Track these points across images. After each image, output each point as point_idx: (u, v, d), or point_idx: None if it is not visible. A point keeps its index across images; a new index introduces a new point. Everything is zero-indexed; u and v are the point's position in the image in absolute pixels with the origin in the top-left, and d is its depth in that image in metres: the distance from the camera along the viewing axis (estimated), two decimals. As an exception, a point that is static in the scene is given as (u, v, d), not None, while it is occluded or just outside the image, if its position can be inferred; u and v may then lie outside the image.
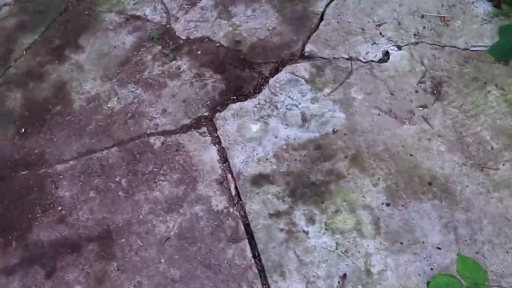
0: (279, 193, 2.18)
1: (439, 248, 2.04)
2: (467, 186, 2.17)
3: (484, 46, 2.55)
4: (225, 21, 2.75)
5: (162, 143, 2.37)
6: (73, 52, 2.77)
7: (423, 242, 2.06)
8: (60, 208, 2.26)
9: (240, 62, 2.59)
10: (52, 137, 2.48)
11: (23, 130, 2.51)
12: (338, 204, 2.13)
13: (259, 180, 2.21)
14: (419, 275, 2.00)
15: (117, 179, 2.31)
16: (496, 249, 2.00)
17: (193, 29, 2.76)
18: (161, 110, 2.48)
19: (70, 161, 2.39)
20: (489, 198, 2.14)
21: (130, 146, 2.39)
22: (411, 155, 2.24)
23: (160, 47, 2.71)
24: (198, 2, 2.85)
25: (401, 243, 2.05)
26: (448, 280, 1.73)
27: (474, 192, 2.15)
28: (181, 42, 2.72)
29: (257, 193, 2.17)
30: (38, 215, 2.26)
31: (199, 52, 2.66)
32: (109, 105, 2.54)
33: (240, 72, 2.54)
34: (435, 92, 2.42)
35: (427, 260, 2.02)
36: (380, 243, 2.05)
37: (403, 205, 2.13)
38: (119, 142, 2.40)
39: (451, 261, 1.98)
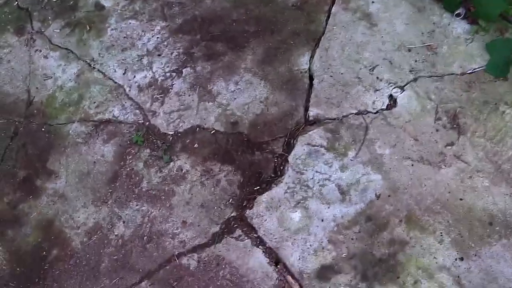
0: (351, 281, 2.16)
1: (526, 289, 2.12)
2: (525, 215, 2.28)
3: (479, 66, 2.71)
4: (210, 103, 2.70)
5: (198, 261, 2.26)
6: (46, 181, 2.57)
7: (510, 288, 2.13)
8: None
9: (246, 145, 2.55)
10: (62, 290, 2.26)
11: (22, 292, 2.26)
12: (413, 274, 2.15)
13: (324, 273, 2.17)
14: (519, 324, 2.05)
15: (161, 318, 2.15)
16: None
17: (178, 120, 2.67)
18: (181, 223, 2.37)
19: (96, 313, 2.19)
20: (548, 222, 2.26)
21: (161, 275, 2.24)
22: (461, 199, 2.32)
23: (148, 150, 2.59)
24: (171, 89, 2.76)
25: (490, 296, 2.10)
26: None
27: (533, 220, 2.26)
28: (171, 138, 2.62)
29: (328, 289, 2.13)
30: None
31: (196, 146, 2.57)
32: (116, 233, 2.38)
33: (251, 157, 2.50)
34: (454, 126, 2.53)
35: (521, 306, 2.09)
36: (471, 303, 2.08)
37: (475, 255, 2.19)
38: (146, 273, 2.25)
39: None
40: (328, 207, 2.32)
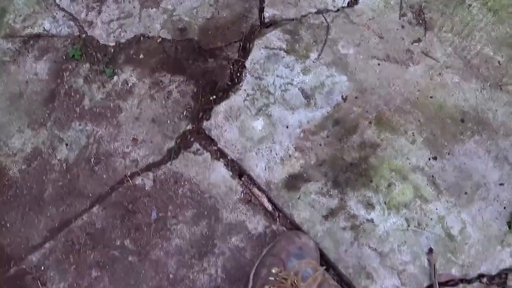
0: (322, 188, 1.98)
1: (502, 184, 2.03)
2: (496, 110, 2.16)
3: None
4: (154, 9, 2.38)
5: (154, 180, 2.02)
6: (-28, 106, 2.22)
7: (485, 184, 2.03)
8: (61, 307, 1.84)
9: (198, 52, 2.28)
10: (3, 223, 1.99)
11: (-45, 230, 1.97)
12: (387, 177, 2.01)
13: (293, 182, 1.99)
14: (496, 219, 1.97)
15: (118, 244, 1.94)
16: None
17: (119, 30, 2.35)
18: (131, 141, 2.11)
19: (44, 244, 1.95)
20: (519, 115, 2.14)
21: (114, 198, 2.00)
22: (431, 97, 2.17)
23: (88, 64, 2.28)
24: (107, -4, 2.42)
25: (465, 193, 2.00)
26: None
27: (505, 114, 2.15)
28: (112, 50, 2.31)
29: (298, 198, 1.96)
30: (36, 329, 1.81)
31: (141, 56, 2.28)
32: (59, 158, 2.10)
33: (204, 65, 2.24)
34: (420, 21, 2.35)
35: (497, 201, 2.00)
36: (447, 201, 1.98)
37: (448, 153, 2.06)
38: (97, 198, 2.00)
39: None
40: (293, 113, 2.10)
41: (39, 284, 1.90)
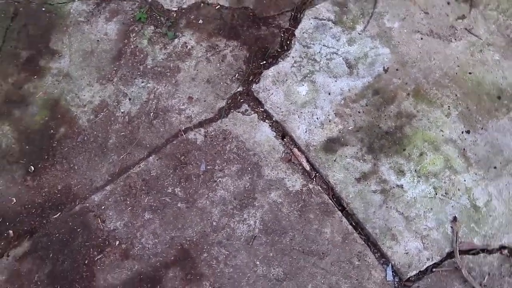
0: (357, 153, 1.94)
1: (532, 160, 1.90)
2: (534, 88, 2.01)
3: None
4: (215, -23, 2.32)
5: (205, 136, 2.03)
6: (50, 60, 2.28)
7: (515, 160, 1.91)
8: (118, 242, 1.92)
9: (252, 20, 2.23)
10: (72, 165, 2.06)
11: (32, 168, 2.07)
12: (419, 146, 1.93)
13: (331, 145, 1.95)
14: (523, 194, 1.86)
15: (169, 191, 1.97)
16: None
17: (181, -4, 2.32)
18: (187, 99, 2.11)
19: (106, 186, 2.01)
20: (557, 95, 2.00)
21: (169, 149, 2.02)
22: (470, 73, 2.05)
23: (152, 27, 2.28)
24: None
25: (495, 168, 1.90)
26: None
27: (543, 93, 2.00)
28: (174, 14, 2.30)
29: (335, 160, 1.92)
30: (96, 258, 1.90)
31: (200, 21, 2.25)
32: (122, 110, 2.13)
33: (257, 32, 2.19)
34: (467, -1, 2.18)
35: (525, 177, 1.89)
36: (475, 174, 1.89)
37: (482, 128, 1.96)
38: (154, 149, 2.03)
39: None
40: (335, 81, 2.05)
41: (99, 221, 1.98)
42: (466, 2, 2.20)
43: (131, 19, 2.32)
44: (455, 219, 1.86)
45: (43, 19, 2.36)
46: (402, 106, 2.00)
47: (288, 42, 2.16)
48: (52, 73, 2.23)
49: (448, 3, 2.19)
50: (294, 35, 2.15)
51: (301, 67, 2.08)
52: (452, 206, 1.86)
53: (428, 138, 1.95)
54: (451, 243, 1.82)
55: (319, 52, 2.10)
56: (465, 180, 1.89)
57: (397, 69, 2.05)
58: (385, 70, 2.05)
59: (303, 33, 2.15)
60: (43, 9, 2.39)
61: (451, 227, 1.85)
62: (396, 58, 2.07)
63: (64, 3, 2.39)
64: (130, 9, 2.35)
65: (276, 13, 2.23)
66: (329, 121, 1.99)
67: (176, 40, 2.24)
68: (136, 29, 2.30)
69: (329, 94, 2.02)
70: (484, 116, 1.98)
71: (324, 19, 2.16)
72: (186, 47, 2.22)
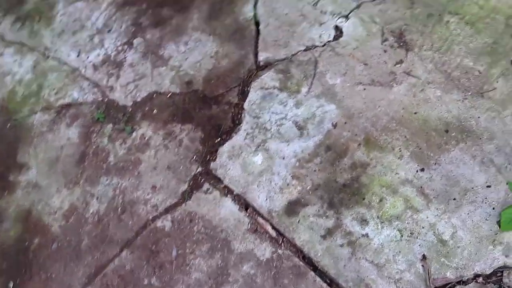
0: (319, 211, 2.20)
1: (489, 186, 2.16)
2: (479, 117, 2.30)
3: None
4: (164, 68, 2.71)
5: (172, 221, 2.31)
6: (19, 174, 2.61)
7: (472, 188, 2.17)
8: None
9: (203, 101, 2.56)
10: (49, 274, 2.33)
11: (11, 284, 2.33)
12: (378, 192, 2.19)
13: (293, 208, 2.21)
14: (486, 220, 2.10)
15: (145, 282, 2.22)
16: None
17: (135, 90, 2.69)
18: (151, 188, 2.41)
19: (84, 289, 2.26)
20: (503, 118, 2.28)
21: (139, 241, 2.30)
22: (415, 113, 2.34)
23: (111, 125, 2.62)
24: (124, 62, 2.77)
25: (454, 199, 2.14)
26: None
27: (487, 119, 2.29)
28: (130, 109, 2.65)
29: (298, 222, 2.18)
30: None
31: (155, 112, 2.60)
32: (91, 211, 2.43)
33: (209, 111, 2.52)
34: (401, 44, 2.53)
35: (485, 203, 2.14)
36: (437, 209, 2.13)
37: (435, 163, 2.22)
38: (125, 243, 2.31)
39: (505, 192, 2.12)
40: (288, 145, 2.35)
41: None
42: (402, 47, 2.54)
43: (91, 121, 2.68)
44: (424, 257, 2.09)
45: (9, 135, 2.72)
46: (355, 157, 2.28)
47: (239, 116, 2.49)
48: (21, 186, 2.55)
49: (385, 51, 2.53)
50: (244, 108, 2.48)
51: (254, 137, 2.39)
52: (420, 245, 2.09)
53: (385, 183, 2.22)
54: (424, 281, 2.04)
55: (269, 120, 2.42)
56: (427, 217, 2.13)
57: (345, 123, 2.36)
58: (334, 126, 2.35)
59: (251, 105, 2.48)
60: (8, 125, 2.75)
61: (422, 265, 2.07)
62: (342, 112, 2.38)
63: (27, 116, 2.76)
64: (89, 111, 2.71)
65: (225, 90, 2.58)
66: (287, 184, 2.27)
67: (134, 134, 2.58)
68: (96, 129, 2.65)
69: (284, 158, 2.32)
70: (435, 151, 2.25)
71: (270, 88, 2.50)
72: (144, 138, 2.55)
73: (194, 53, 2.73)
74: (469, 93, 2.36)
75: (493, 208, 2.12)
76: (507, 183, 2.13)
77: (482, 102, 2.33)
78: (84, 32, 3.01)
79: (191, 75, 2.67)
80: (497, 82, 2.37)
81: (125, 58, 2.83)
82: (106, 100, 2.73)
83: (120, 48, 2.86)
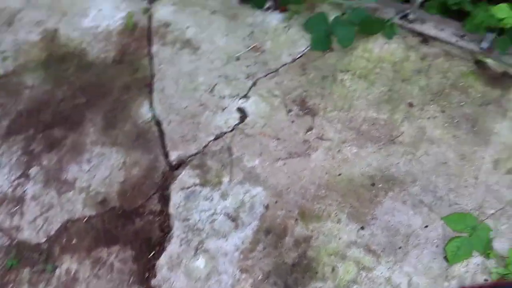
0: (276, 298, 2.19)
1: (426, 226, 2.30)
2: (398, 163, 2.47)
3: (305, 47, 2.90)
4: (71, 192, 2.63)
5: None
6: None
7: (413, 232, 2.31)
8: None
9: (124, 217, 2.51)
10: None
11: None
12: (328, 262, 2.25)
13: (249, 302, 2.19)
14: (434, 259, 2.24)
15: None
16: (459, 190, 2.34)
17: (46, 224, 2.57)
18: (92, 326, 2.26)
19: None
20: (418, 158, 2.47)
21: None
22: (339, 174, 2.46)
23: (28, 268, 2.46)
24: (25, 196, 2.64)
25: (400, 248, 2.25)
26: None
27: (405, 163, 2.46)
28: (46, 246, 2.51)
29: (260, 316, 2.15)
30: None
31: (74, 241, 2.49)
32: None
33: (133, 227, 2.47)
34: (306, 110, 2.67)
35: (428, 243, 2.27)
36: (387, 262, 2.23)
37: (372, 218, 2.33)
38: None
39: (443, 228, 2.30)
40: (226, 240, 2.34)
41: None
42: (308, 114, 2.66)
43: (3, 270, 2.47)
44: (391, 314, 2.13)
45: None
46: (296, 233, 2.32)
47: (166, 224, 2.44)
48: None
49: (293, 121, 2.64)
50: (169, 214, 2.44)
51: (189, 241, 2.35)
52: (383, 304, 2.14)
53: (332, 251, 2.27)
54: None
55: (199, 219, 2.40)
56: (381, 273, 2.20)
57: (276, 202, 2.40)
58: (266, 208, 2.39)
59: (177, 208, 2.45)
60: None
61: (391, 325, 2.11)
62: (270, 192, 2.43)
63: None
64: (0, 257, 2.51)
65: (144, 200, 2.53)
66: (238, 280, 2.25)
67: (57, 271, 2.42)
68: (12, 277, 2.45)
69: (226, 255, 2.30)
70: (369, 206, 2.36)
71: (191, 186, 2.49)
72: (71, 273, 2.41)
73: (101, 169, 2.67)
74: (382, 143, 2.53)
75: (437, 246, 2.26)
76: (441, 219, 2.27)
77: (396, 148, 2.50)
78: (-30, 174, 2.84)
79: (103, 193, 2.60)
80: (403, 126, 2.55)
81: (24, 192, 2.70)
82: (15, 242, 2.56)
83: (15, 182, 2.73)
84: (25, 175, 2.75)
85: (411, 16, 2.97)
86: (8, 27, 3.44)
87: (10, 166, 2.80)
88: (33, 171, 2.76)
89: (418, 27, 2.97)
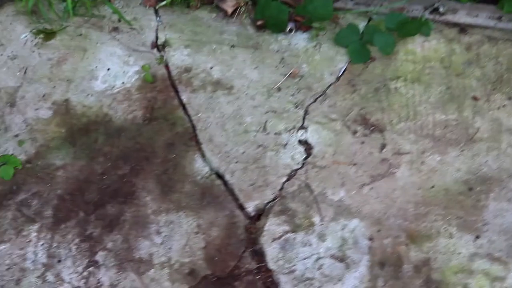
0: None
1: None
2: (486, 161, 2.43)
3: (344, 62, 2.76)
4: (152, 270, 2.47)
5: None
6: None
7: (529, 229, 2.19)
8: None
9: (221, 285, 2.36)
10: None
11: None
12: (457, 282, 2.20)
13: None
14: None
15: None
16: None
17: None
18: None
19: None
20: (505, 151, 2.41)
21: None
22: (432, 187, 2.40)
23: None
24: (102, 286, 2.43)
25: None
26: None
27: (494, 159, 2.41)
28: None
29: None
30: None
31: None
32: None
33: (235, 293, 2.28)
34: (372, 128, 2.56)
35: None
36: (516, 267, 2.12)
37: (483, 224, 2.29)
38: None
39: None
40: (343, 283, 2.20)
41: None
42: (375, 131, 2.54)
43: None
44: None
45: None
46: (412, 258, 2.23)
47: (270, 279, 2.26)
48: None
49: (363, 142, 2.52)
50: (271, 269, 2.26)
51: (304, 295, 2.18)
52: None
53: (456, 269, 2.23)
54: None
55: (306, 268, 2.24)
56: None
57: (378, 230, 2.30)
58: (370, 239, 2.26)
59: (276, 262, 2.28)
60: None
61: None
62: (368, 221, 2.31)
63: None
64: None
65: (235, 261, 2.36)
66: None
67: None
68: None
69: (348, 299, 2.14)
70: (475, 213, 2.29)
71: (282, 235, 2.33)
72: None
73: (175, 238, 2.48)
74: (462, 144, 2.44)
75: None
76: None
77: (478, 146, 2.42)
78: (30, 276, 2.58)
79: (188, 263, 2.41)
80: (476, 122, 2.46)
81: (99, 281, 2.46)
82: None
83: (86, 273, 2.50)
84: (93, 262, 2.52)
85: (441, 9, 2.88)
86: (12, 108, 3.11)
87: (72, 257, 2.56)
88: (100, 256, 2.54)
89: (451, 17, 2.88)
